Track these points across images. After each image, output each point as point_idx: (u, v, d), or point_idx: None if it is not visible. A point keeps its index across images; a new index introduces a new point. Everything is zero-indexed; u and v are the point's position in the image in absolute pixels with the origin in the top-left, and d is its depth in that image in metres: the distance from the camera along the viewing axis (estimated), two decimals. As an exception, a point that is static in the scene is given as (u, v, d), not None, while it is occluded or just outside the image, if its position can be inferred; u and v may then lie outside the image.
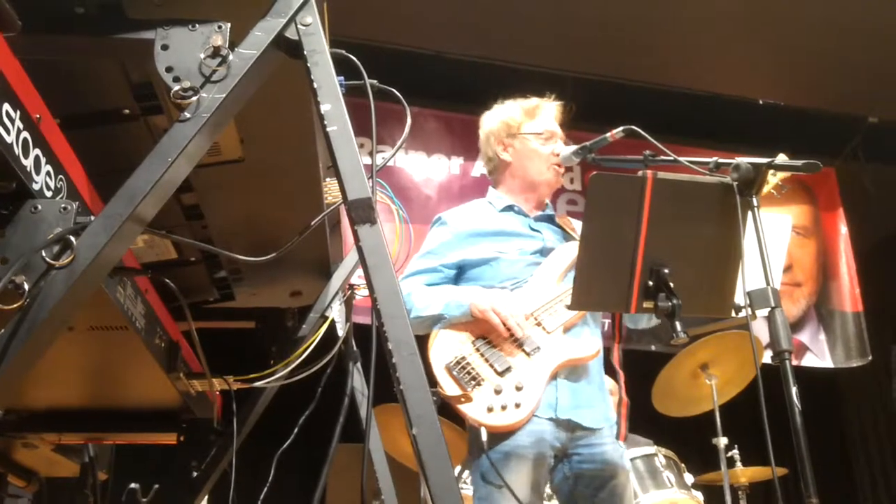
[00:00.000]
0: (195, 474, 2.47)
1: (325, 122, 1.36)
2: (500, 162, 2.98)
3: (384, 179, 6.13)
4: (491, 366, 2.53)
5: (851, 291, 5.91)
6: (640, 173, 2.21)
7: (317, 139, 1.91)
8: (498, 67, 5.74)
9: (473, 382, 2.49)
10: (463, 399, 2.45)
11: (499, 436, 2.47)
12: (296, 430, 2.50)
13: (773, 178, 2.25)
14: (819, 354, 5.75)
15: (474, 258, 2.77)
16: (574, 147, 2.73)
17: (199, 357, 2.12)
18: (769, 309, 2.03)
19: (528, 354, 2.56)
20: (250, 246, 2.23)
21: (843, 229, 6.06)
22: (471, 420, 2.46)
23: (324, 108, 1.38)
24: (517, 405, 2.47)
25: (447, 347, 2.57)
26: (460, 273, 2.80)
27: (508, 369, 2.53)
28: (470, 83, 5.84)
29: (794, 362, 5.81)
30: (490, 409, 2.46)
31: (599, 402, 2.68)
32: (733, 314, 2.19)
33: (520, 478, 2.44)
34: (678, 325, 2.13)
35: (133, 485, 4.62)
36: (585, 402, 2.61)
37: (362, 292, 2.70)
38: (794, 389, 1.96)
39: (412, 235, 2.63)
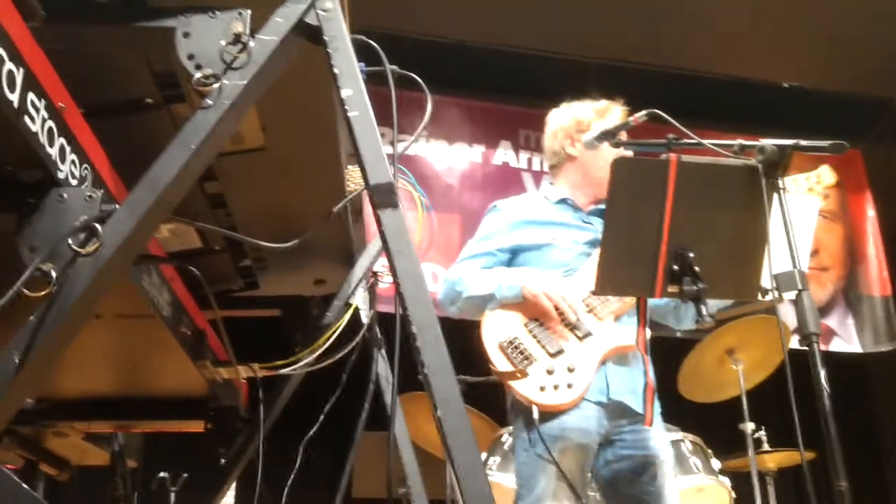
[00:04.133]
0: (223, 461, 2.49)
1: (347, 108, 1.36)
2: (566, 156, 3.01)
3: (405, 168, 6.13)
4: (543, 347, 2.59)
5: (879, 275, 5.83)
6: (663, 156, 2.20)
7: (338, 126, 1.92)
8: (519, 55, 5.72)
9: (526, 362, 2.55)
10: (518, 375, 2.50)
11: (548, 416, 2.51)
12: (321, 417, 2.50)
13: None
14: (847, 339, 5.70)
15: (528, 243, 2.83)
16: (597, 131, 2.72)
17: (225, 344, 2.14)
18: (796, 292, 2.01)
19: (580, 339, 2.62)
20: (274, 234, 2.23)
21: (871, 212, 5.98)
22: (522, 397, 2.52)
23: (345, 93, 1.38)
24: (569, 385, 2.53)
25: (500, 327, 2.63)
26: (513, 258, 2.87)
27: (561, 351, 2.58)
28: (491, 71, 5.83)
29: (822, 347, 5.76)
30: (542, 388, 2.52)
31: (643, 389, 2.72)
32: (760, 297, 2.18)
33: (565, 460, 2.49)
34: (704, 310, 2.13)
35: (162, 473, 4.70)
36: (634, 387, 2.66)
37: (386, 280, 2.71)
38: (822, 373, 1.94)
39: (434, 223, 2.64)
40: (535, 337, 2.61)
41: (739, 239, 2.22)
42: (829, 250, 5.90)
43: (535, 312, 2.64)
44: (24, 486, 1.46)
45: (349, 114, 1.36)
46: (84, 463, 2.95)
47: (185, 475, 4.19)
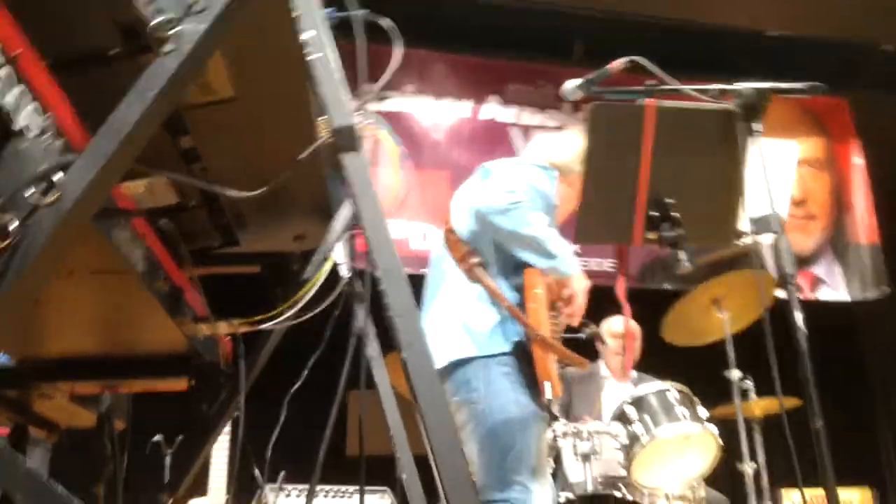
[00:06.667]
0: (207, 417, 2.50)
1: (308, 50, 1.34)
2: (572, 180, 2.89)
3: (393, 125, 6.04)
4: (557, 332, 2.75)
5: (866, 223, 5.82)
6: (639, 102, 2.19)
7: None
8: (504, 7, 5.65)
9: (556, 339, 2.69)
10: (556, 348, 2.59)
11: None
12: (304, 374, 2.50)
13: None
14: (834, 287, 5.69)
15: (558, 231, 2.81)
16: (577, 81, 2.69)
17: (202, 300, 2.13)
18: (773, 235, 2.02)
19: None
20: (251, 188, 2.23)
21: (858, 160, 5.95)
22: (549, 371, 2.56)
23: (305, 35, 1.36)
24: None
25: (544, 298, 2.67)
26: None
27: None
28: (477, 24, 5.76)
29: (811, 295, 5.77)
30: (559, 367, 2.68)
31: None
32: (736, 241, 2.18)
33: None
34: (683, 256, 2.13)
35: (157, 437, 4.72)
36: None
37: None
38: (799, 315, 1.95)
39: (412, 172, 2.62)
40: (554, 320, 2.70)
41: (717, 184, 2.22)
42: (817, 199, 5.88)
43: (552, 297, 2.72)
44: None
45: (310, 56, 1.34)
46: (73, 425, 2.95)
47: (181, 437, 4.21)
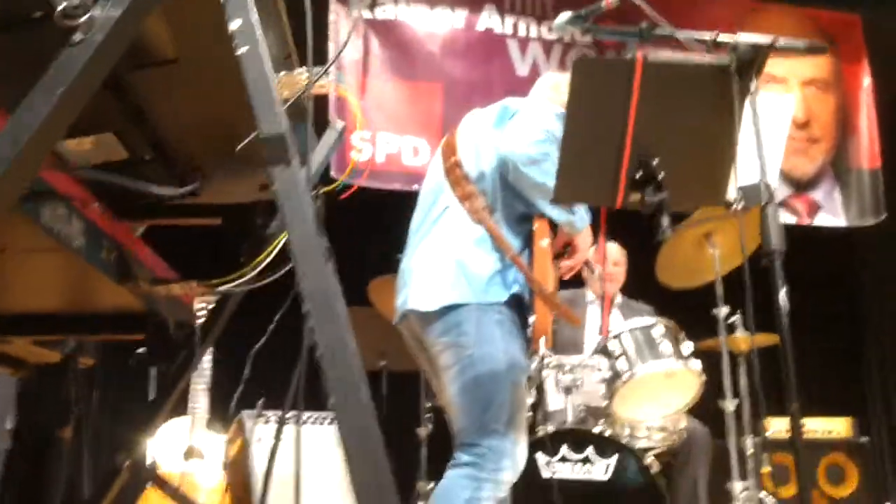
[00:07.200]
0: (166, 376, 2.43)
1: (236, 43, 1.17)
2: None
3: (384, 35, 5.78)
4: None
5: (870, 147, 5.58)
6: (628, 55, 2.03)
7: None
8: None
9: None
10: (560, 308, 2.54)
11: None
12: (271, 328, 2.40)
13: None
14: (833, 212, 5.53)
15: None
16: (568, 14, 2.51)
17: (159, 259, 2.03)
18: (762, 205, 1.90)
19: None
20: (208, 144, 2.09)
21: (867, 81, 5.68)
22: (546, 326, 2.51)
23: (233, 25, 1.19)
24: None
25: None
26: None
27: None
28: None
29: (807, 221, 5.62)
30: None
31: None
32: (726, 211, 2.07)
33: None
34: (664, 222, 2.01)
35: (141, 349, 4.69)
36: None
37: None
38: (782, 291, 1.85)
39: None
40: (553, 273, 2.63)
41: (708, 145, 2.08)
42: (821, 121, 5.63)
43: (554, 251, 2.65)
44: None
45: (238, 50, 1.18)
46: (42, 361, 2.90)
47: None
